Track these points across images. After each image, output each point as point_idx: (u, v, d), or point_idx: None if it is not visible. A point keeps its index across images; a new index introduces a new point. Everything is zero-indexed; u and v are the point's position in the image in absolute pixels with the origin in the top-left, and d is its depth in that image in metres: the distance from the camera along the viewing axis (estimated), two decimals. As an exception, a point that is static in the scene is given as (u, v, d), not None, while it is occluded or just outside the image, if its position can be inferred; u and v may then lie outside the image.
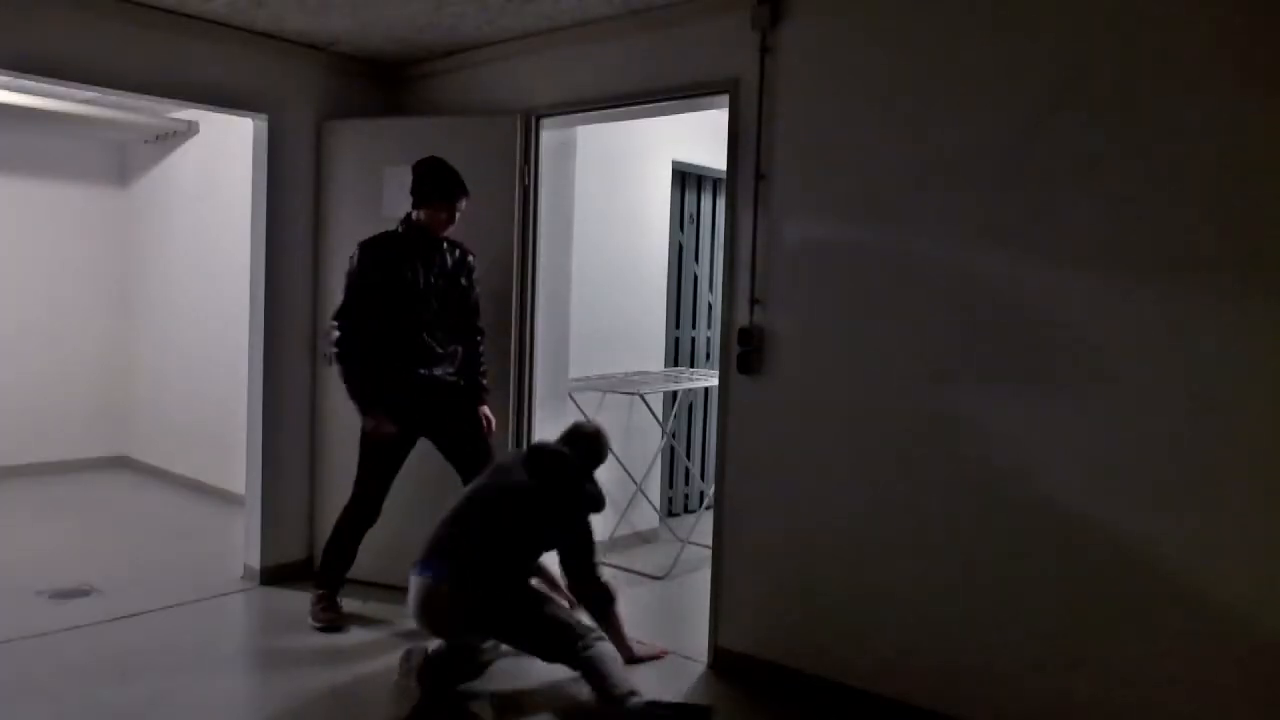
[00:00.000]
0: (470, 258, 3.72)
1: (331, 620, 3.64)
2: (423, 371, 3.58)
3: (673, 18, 3.39)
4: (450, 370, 3.65)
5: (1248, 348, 2.34)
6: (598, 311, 4.57)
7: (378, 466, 3.66)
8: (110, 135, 6.08)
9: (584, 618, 3.14)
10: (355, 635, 3.56)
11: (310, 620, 3.66)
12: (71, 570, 4.22)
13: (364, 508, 3.68)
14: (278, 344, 4.12)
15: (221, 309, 5.56)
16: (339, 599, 3.75)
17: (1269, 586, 2.32)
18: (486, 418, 3.76)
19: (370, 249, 3.55)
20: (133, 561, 4.43)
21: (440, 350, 3.60)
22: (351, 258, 3.57)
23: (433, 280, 3.57)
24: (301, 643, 3.52)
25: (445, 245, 3.63)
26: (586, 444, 3.29)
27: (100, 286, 6.46)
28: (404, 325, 3.54)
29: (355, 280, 3.54)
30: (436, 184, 3.50)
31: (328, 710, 2.99)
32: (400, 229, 3.58)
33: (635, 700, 2.80)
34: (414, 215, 3.56)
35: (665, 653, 3.45)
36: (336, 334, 3.55)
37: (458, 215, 3.56)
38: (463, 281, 3.67)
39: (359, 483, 3.69)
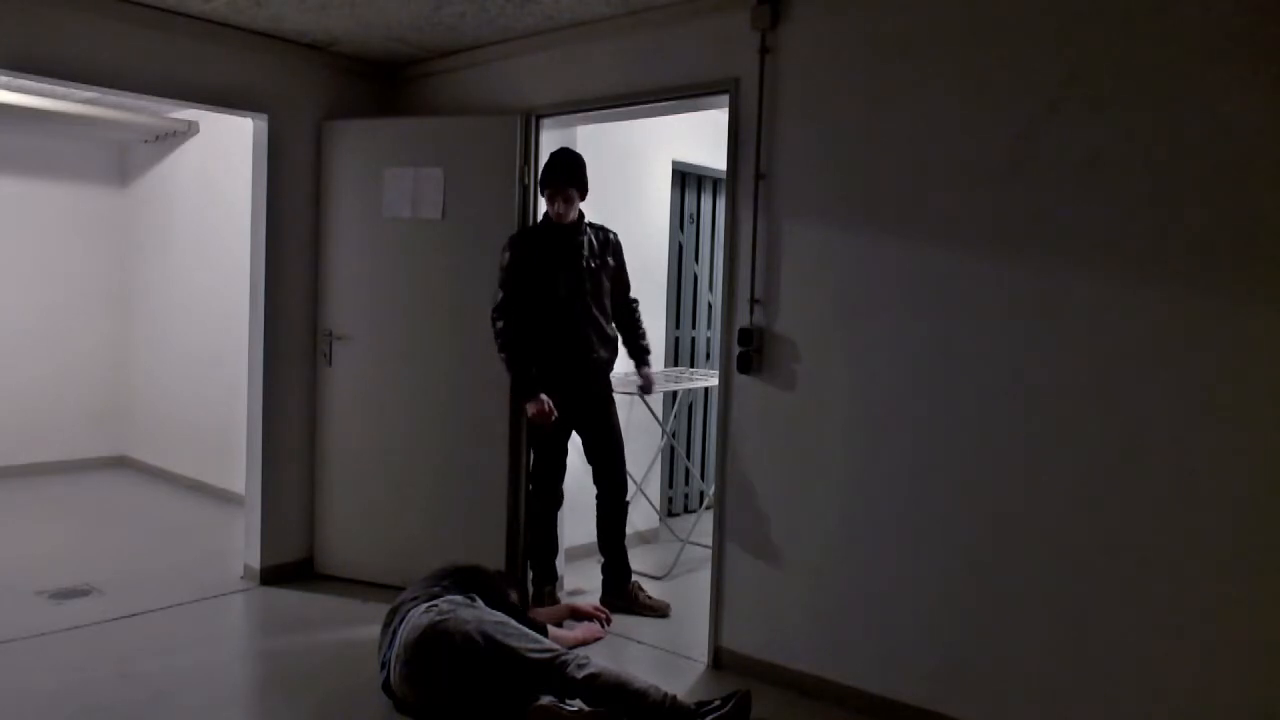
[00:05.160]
0: (613, 235, 3.91)
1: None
2: (584, 356, 3.79)
3: (672, 18, 3.39)
4: (607, 354, 3.87)
5: (1250, 348, 2.34)
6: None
7: (548, 453, 3.86)
8: (110, 135, 6.08)
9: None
10: (356, 636, 3.56)
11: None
12: (71, 570, 4.22)
13: (546, 494, 3.89)
14: (278, 344, 4.12)
15: (221, 309, 5.56)
16: (557, 587, 3.99)
17: (1270, 589, 2.32)
18: (648, 378, 4.03)
19: (514, 243, 3.74)
20: (133, 561, 4.43)
21: (600, 335, 3.82)
22: (501, 253, 3.74)
23: (579, 265, 3.75)
24: (302, 643, 3.52)
25: (588, 230, 3.81)
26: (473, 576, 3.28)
27: (100, 286, 6.46)
28: (562, 312, 3.74)
29: (506, 275, 3.72)
30: (544, 173, 3.70)
31: (328, 711, 2.99)
32: (542, 220, 3.77)
33: (680, 701, 2.76)
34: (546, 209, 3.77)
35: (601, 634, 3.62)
36: (499, 325, 3.71)
37: (565, 205, 3.69)
38: (610, 261, 3.87)
39: (535, 472, 3.89)
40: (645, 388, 4.05)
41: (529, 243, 3.75)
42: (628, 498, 4.05)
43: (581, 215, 3.81)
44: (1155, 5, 2.45)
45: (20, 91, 4.94)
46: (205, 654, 3.40)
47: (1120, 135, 2.50)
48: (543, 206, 3.82)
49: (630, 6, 3.42)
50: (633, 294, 4.03)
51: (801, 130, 3.12)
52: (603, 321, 3.84)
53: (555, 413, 3.74)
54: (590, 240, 3.80)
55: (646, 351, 4.06)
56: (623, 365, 4.79)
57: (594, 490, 3.97)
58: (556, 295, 3.73)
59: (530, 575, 3.96)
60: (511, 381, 3.76)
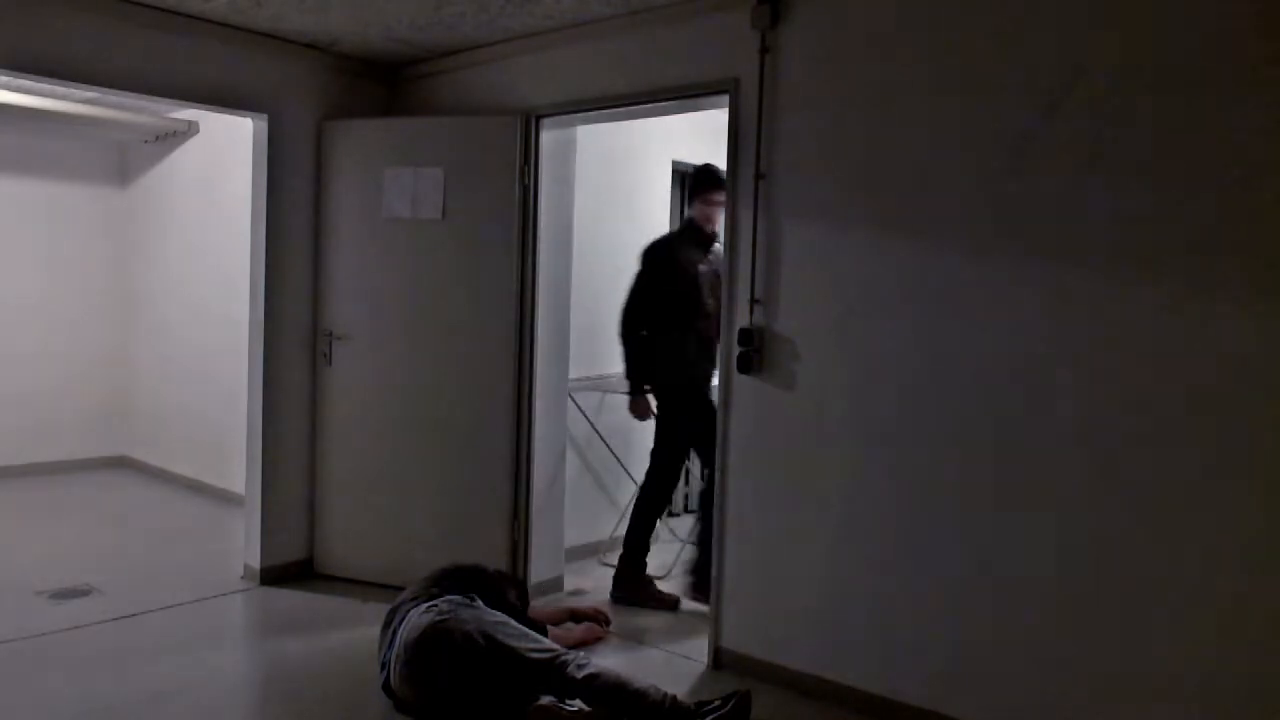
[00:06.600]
0: None
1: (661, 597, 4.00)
2: (706, 360, 3.93)
3: (673, 18, 3.39)
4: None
5: (1251, 347, 2.34)
6: (598, 311, 4.56)
7: (675, 459, 4.05)
8: (110, 135, 6.08)
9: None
10: (356, 636, 3.56)
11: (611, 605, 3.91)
12: (71, 570, 4.22)
13: (664, 494, 4.08)
14: (277, 344, 4.12)
15: (221, 309, 5.56)
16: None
17: (1269, 587, 2.32)
18: None
19: (649, 252, 4.03)
20: (133, 561, 4.43)
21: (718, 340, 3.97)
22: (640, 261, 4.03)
23: (705, 271, 3.91)
24: (301, 643, 3.52)
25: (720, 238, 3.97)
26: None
27: (100, 287, 6.46)
28: (693, 316, 3.91)
29: (637, 282, 4.01)
30: (694, 181, 4.00)
31: (328, 711, 2.99)
32: (678, 228, 3.98)
33: (680, 701, 2.77)
34: (691, 214, 4.06)
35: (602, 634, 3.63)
36: (621, 324, 4.02)
37: (709, 209, 3.94)
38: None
39: (657, 472, 4.02)
40: None
41: (662, 249, 4.00)
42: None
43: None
44: (1155, 5, 2.45)
45: (20, 91, 4.94)
46: (205, 654, 3.40)
47: (1121, 135, 2.50)
48: (546, 207, 3.89)
49: (630, 6, 3.42)
50: None
51: (801, 130, 3.12)
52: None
53: (651, 414, 4.02)
54: (720, 248, 3.95)
55: None
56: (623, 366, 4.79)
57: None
58: (685, 302, 3.92)
59: (626, 574, 4.06)
60: (626, 375, 4.03)
